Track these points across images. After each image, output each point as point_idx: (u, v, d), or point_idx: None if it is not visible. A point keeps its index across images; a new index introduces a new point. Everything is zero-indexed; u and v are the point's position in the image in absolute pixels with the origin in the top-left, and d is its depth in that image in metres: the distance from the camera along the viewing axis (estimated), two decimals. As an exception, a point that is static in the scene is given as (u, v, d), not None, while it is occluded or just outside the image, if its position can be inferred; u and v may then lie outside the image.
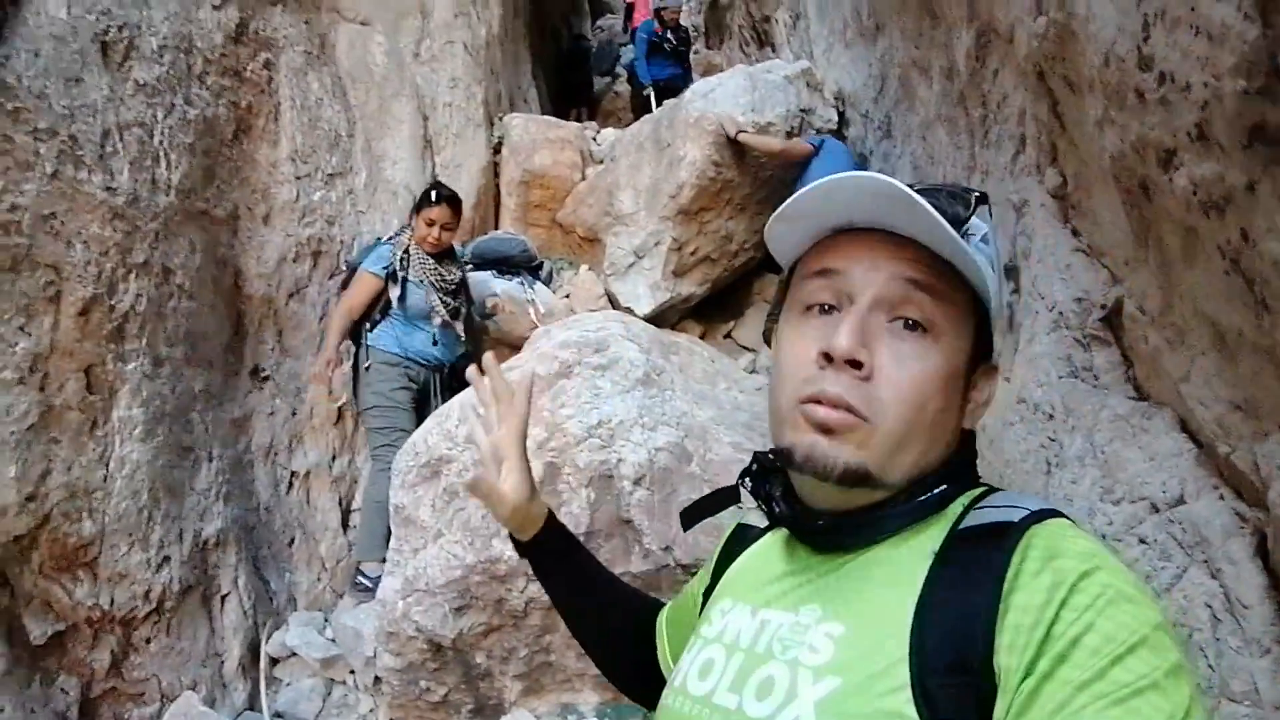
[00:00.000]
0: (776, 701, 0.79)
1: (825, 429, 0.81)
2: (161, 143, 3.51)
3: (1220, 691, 1.49)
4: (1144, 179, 1.61)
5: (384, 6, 5.46)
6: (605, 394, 3.50)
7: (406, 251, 4.31)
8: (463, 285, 4.55)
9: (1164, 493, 1.69)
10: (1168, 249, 1.61)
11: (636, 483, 3.26)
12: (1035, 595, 0.70)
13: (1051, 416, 2.18)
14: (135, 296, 3.27)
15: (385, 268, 4.28)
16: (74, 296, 3.00)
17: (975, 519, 0.81)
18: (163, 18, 3.65)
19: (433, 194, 4.32)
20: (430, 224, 4.29)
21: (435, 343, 4.34)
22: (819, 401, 0.82)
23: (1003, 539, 0.76)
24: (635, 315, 4.71)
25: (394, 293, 4.25)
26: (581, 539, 3.20)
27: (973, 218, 0.89)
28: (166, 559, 3.36)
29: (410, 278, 4.29)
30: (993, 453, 2.65)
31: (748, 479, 0.98)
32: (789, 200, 0.88)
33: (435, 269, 4.34)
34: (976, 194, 0.91)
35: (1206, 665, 1.51)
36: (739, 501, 1.06)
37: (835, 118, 5.17)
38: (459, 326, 4.47)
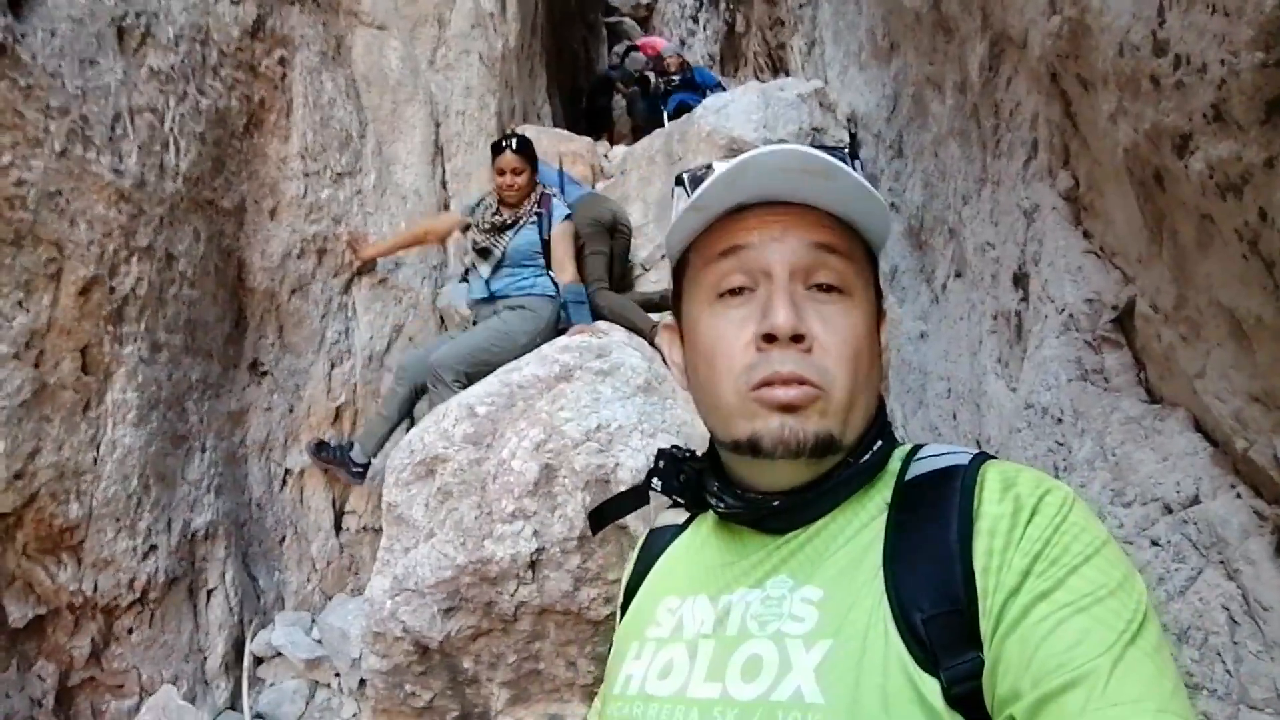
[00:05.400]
0: (769, 678, 0.76)
1: (789, 408, 0.81)
2: (172, 129, 3.52)
3: (1239, 698, 1.43)
4: (1158, 169, 1.58)
5: (401, 13, 5.50)
6: (605, 399, 3.47)
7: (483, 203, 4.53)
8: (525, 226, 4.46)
9: (1178, 493, 1.64)
10: (1182, 240, 1.58)
11: (634, 488, 3.21)
12: (1001, 521, 0.75)
13: (1060, 420, 2.14)
14: (136, 280, 3.25)
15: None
16: (75, 275, 2.98)
17: (920, 468, 0.85)
18: (180, 8, 3.68)
19: (501, 143, 4.44)
20: (500, 173, 4.39)
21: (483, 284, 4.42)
22: (772, 384, 0.81)
23: (956, 479, 0.80)
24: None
25: None
26: (575, 542, 3.18)
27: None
28: (153, 548, 3.31)
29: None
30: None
31: (656, 479, 0.98)
32: (703, 188, 0.87)
33: (489, 210, 4.46)
34: (846, 146, 0.93)
35: (1224, 671, 1.45)
36: (647, 502, 1.04)
37: (847, 138, 5.16)
38: (491, 264, 4.42)
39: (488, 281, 4.37)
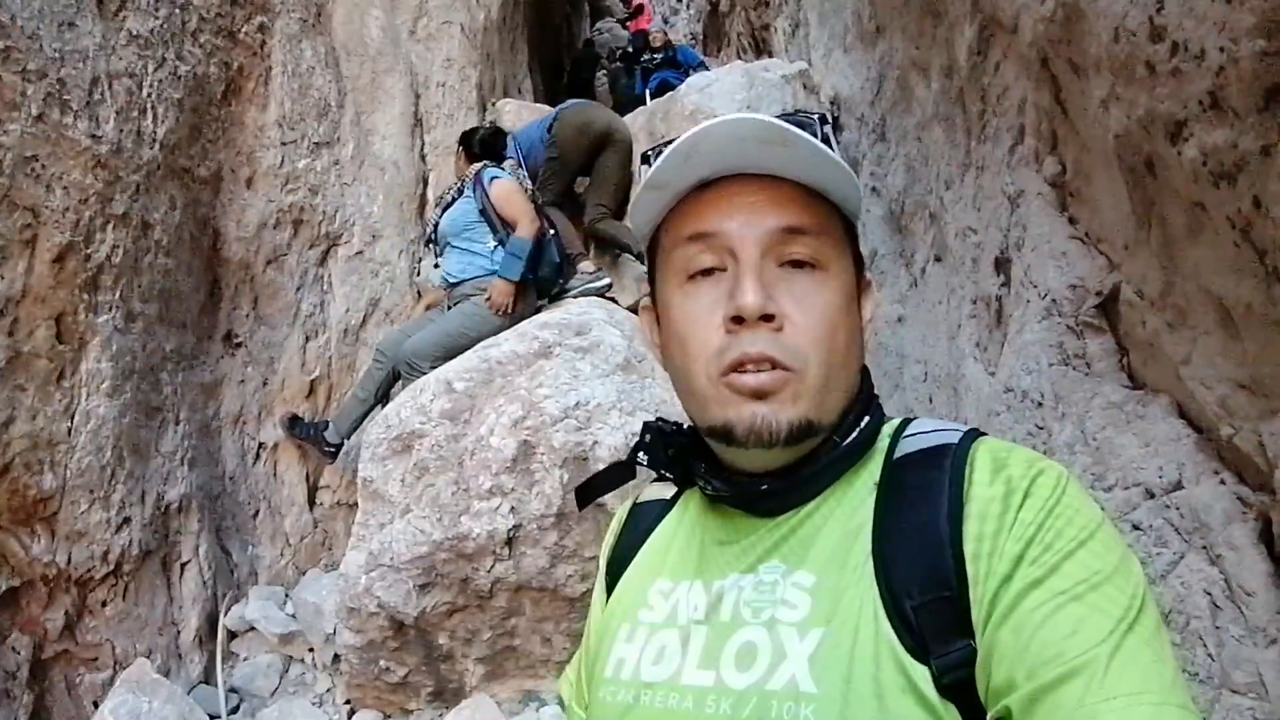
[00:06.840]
0: (763, 667, 0.75)
1: (759, 394, 0.78)
2: (150, 95, 3.45)
3: (1221, 683, 1.45)
4: (1150, 155, 1.60)
5: (383, -19, 5.42)
6: (584, 376, 3.46)
7: None
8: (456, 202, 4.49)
9: (1160, 478, 1.66)
10: (1171, 227, 1.59)
11: (612, 466, 3.21)
12: (992, 504, 0.73)
13: (1040, 404, 2.16)
14: (112, 248, 3.20)
15: None
16: (50, 242, 2.92)
17: (909, 446, 0.83)
18: (160, -29, 3.59)
19: None
20: None
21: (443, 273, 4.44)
22: (742, 366, 0.79)
23: (945, 459, 0.78)
24: (619, 305, 4.67)
25: None
26: (552, 520, 3.17)
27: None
28: (127, 520, 3.27)
29: None
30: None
31: (642, 453, 0.95)
32: (657, 164, 0.84)
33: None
34: (817, 114, 0.89)
35: (1206, 655, 1.47)
36: (634, 477, 1.01)
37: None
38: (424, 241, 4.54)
39: (441, 264, 4.38)
